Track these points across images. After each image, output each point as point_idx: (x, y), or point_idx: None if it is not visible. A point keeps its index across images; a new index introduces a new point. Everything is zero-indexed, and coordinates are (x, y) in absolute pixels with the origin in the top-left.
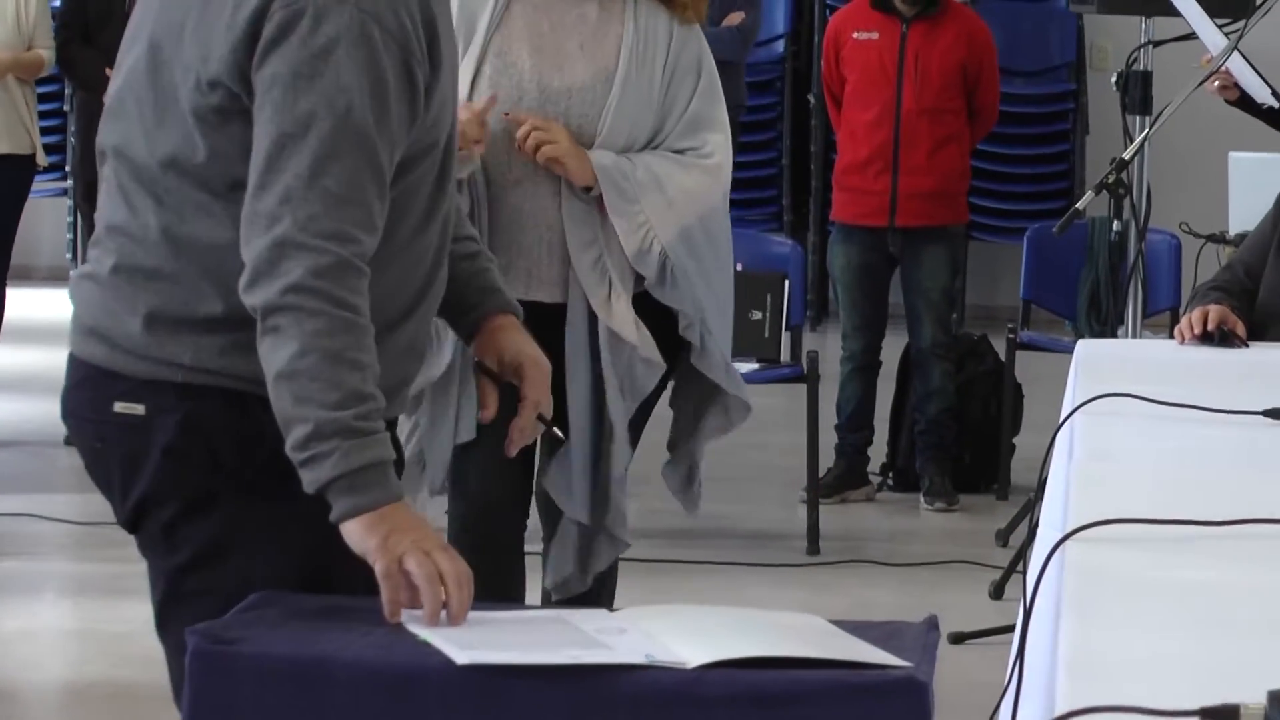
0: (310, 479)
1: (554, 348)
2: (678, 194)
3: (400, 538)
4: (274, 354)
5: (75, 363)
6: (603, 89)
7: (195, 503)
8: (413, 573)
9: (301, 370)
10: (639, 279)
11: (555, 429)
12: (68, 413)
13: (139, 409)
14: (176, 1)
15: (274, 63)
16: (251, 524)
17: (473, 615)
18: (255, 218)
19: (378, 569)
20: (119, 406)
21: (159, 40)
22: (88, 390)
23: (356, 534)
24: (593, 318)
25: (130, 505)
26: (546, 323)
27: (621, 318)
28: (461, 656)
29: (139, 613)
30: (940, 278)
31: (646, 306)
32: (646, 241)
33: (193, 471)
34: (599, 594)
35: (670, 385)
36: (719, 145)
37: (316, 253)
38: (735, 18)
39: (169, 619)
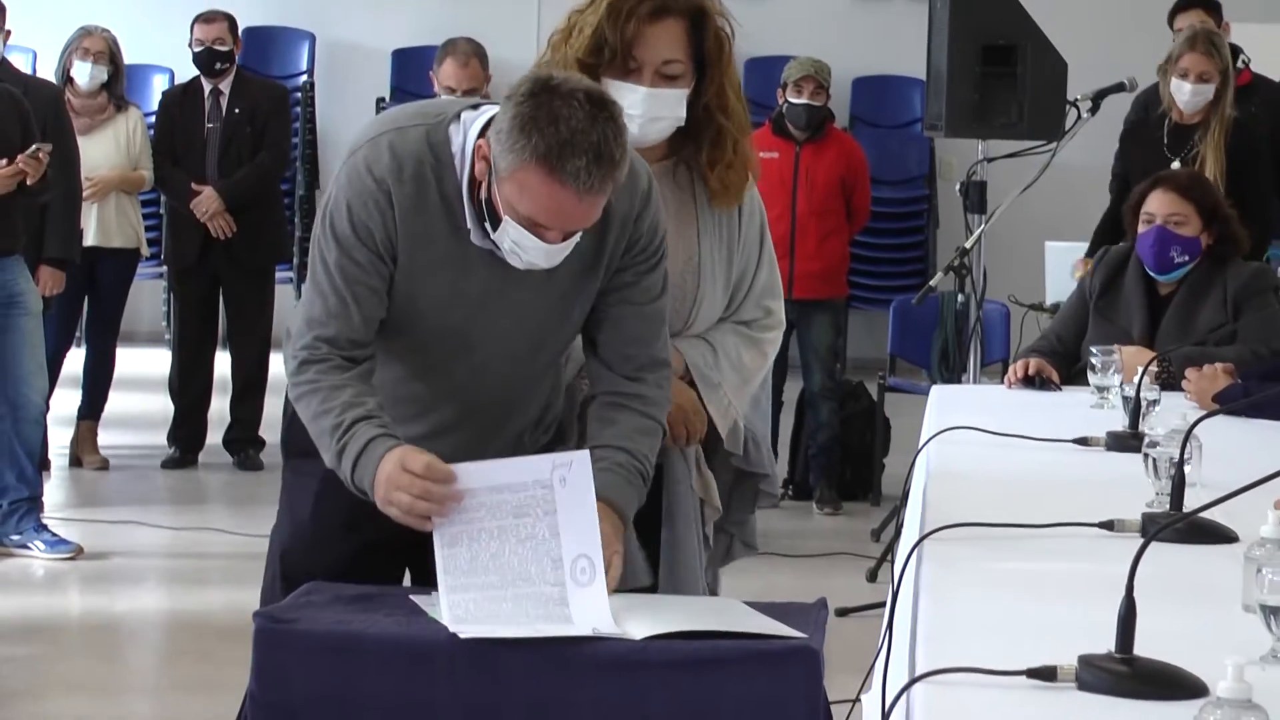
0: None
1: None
2: (748, 370)
3: (380, 494)
4: None
5: None
6: (691, 280)
7: (286, 460)
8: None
9: (312, 434)
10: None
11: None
12: None
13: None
14: None
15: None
16: (287, 482)
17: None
18: None
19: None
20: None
21: None
22: None
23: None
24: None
25: None
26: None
27: (712, 488)
28: (463, 631)
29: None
30: (827, 337)
31: None
32: (731, 420)
33: (288, 444)
34: None
35: None
36: (779, 309)
37: (291, 361)
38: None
39: None
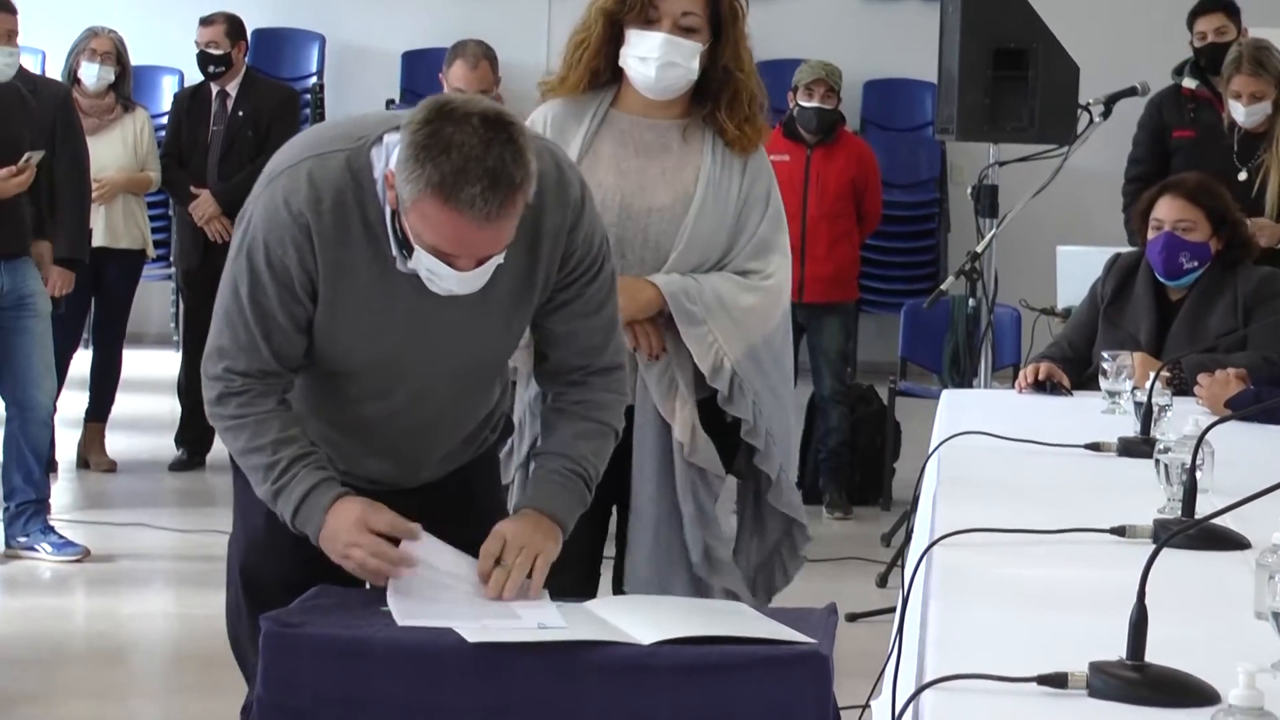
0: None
1: (622, 444)
2: (742, 315)
3: (336, 547)
4: None
5: None
6: (681, 210)
7: (235, 471)
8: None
9: (241, 467)
10: (703, 386)
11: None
12: None
13: None
14: None
15: None
16: (238, 493)
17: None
18: None
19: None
20: None
21: None
22: None
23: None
24: (663, 420)
25: None
26: None
27: (683, 424)
28: (403, 620)
29: (224, 600)
30: (837, 341)
31: (715, 416)
32: (718, 359)
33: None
34: None
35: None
36: (780, 267)
37: (207, 388)
38: None
39: None
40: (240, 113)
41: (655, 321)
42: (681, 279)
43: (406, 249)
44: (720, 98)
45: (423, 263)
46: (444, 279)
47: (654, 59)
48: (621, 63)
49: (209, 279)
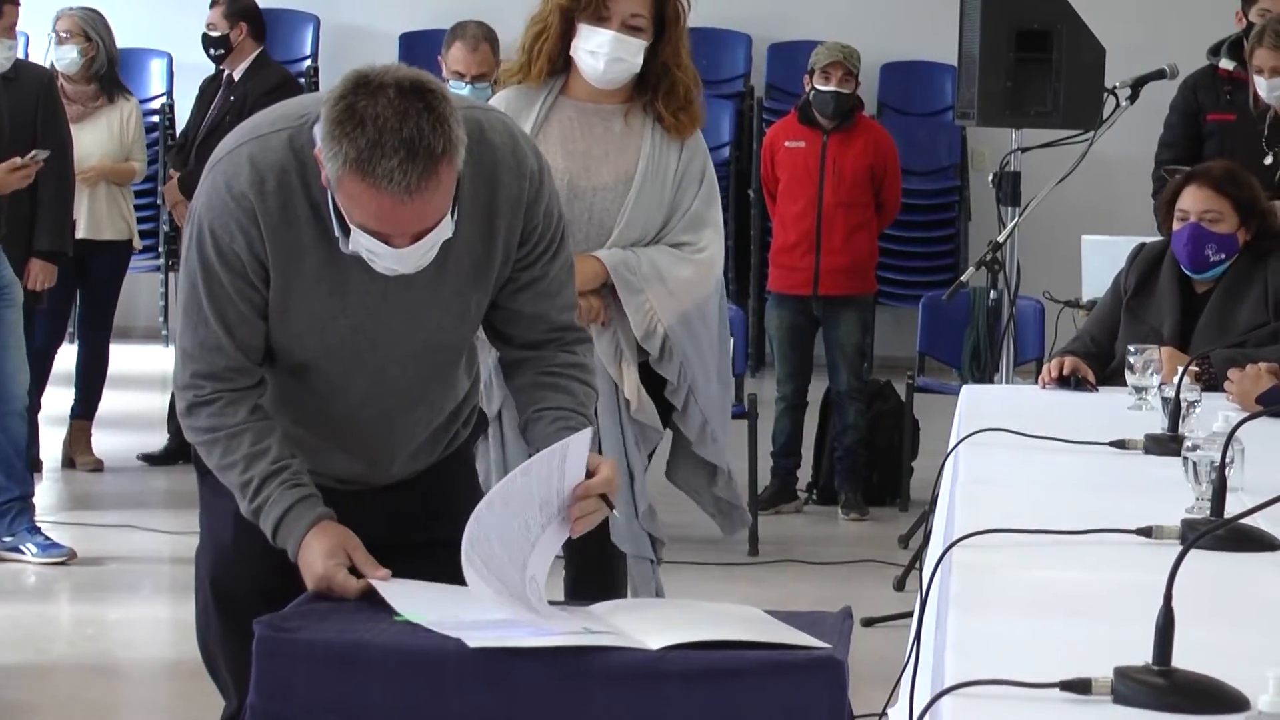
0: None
1: None
2: (677, 285)
3: (308, 575)
4: None
5: None
6: (623, 189)
7: (200, 477)
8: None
9: (222, 481)
10: (643, 353)
11: (613, 509)
12: None
13: None
14: None
15: None
16: (204, 500)
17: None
18: None
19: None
20: None
21: None
22: None
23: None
24: (609, 382)
25: None
26: None
27: (629, 384)
28: (472, 640)
29: None
30: (854, 335)
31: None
32: (652, 325)
33: (200, 460)
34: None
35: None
36: (712, 241)
37: (178, 400)
38: None
39: None
40: (232, 98)
41: (599, 293)
42: (622, 252)
43: (345, 229)
44: (658, 89)
45: (361, 243)
46: (383, 258)
47: (603, 54)
48: (572, 53)
49: None
